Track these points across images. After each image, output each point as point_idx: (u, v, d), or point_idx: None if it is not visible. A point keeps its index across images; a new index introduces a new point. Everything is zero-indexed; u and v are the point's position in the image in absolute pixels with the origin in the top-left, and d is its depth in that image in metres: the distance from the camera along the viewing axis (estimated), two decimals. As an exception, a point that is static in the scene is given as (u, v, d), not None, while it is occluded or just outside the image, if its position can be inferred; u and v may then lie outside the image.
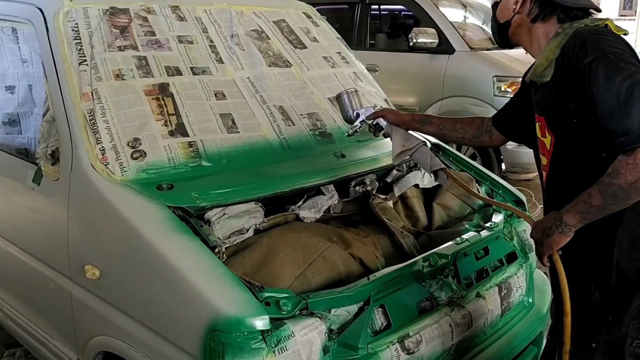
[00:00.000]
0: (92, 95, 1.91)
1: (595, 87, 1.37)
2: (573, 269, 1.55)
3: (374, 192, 2.22)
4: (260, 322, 1.42)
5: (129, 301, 1.71)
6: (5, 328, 2.54)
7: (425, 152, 1.93)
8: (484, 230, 2.06)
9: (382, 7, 6.42)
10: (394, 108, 2.42)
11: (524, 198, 2.34)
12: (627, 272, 1.51)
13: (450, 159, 2.49)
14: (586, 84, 1.40)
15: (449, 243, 1.94)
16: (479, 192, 2.35)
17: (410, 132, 2.01)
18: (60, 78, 1.95)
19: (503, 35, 1.72)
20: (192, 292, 1.49)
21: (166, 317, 1.58)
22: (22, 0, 2.22)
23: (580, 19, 1.56)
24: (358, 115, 2.04)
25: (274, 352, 1.41)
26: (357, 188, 2.22)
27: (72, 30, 2.04)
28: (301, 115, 2.28)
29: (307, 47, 2.61)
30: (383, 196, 2.23)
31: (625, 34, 1.52)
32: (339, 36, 2.88)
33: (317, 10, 2.94)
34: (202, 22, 2.38)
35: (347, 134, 2.13)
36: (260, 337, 1.41)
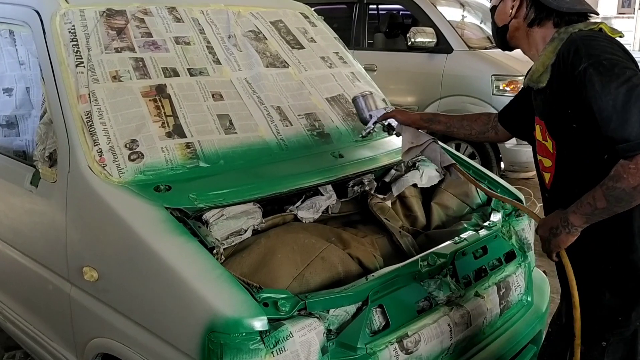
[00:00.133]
0: (89, 97, 1.91)
1: (592, 94, 1.38)
2: (583, 270, 1.57)
3: (372, 192, 2.22)
4: (259, 323, 1.42)
5: (127, 303, 1.71)
6: (5, 330, 2.54)
7: (435, 148, 1.98)
8: (483, 230, 2.06)
9: (380, 6, 6.41)
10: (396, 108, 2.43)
11: (522, 197, 2.34)
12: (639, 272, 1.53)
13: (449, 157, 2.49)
14: (583, 91, 1.41)
15: (448, 242, 1.93)
16: (477, 192, 2.35)
17: (419, 130, 2.05)
18: (57, 80, 1.95)
19: (502, 38, 1.75)
20: (190, 294, 1.49)
21: (164, 318, 1.58)
22: (18, 3, 2.22)
23: (576, 22, 1.57)
24: (371, 117, 2.12)
25: (272, 352, 1.41)
26: (355, 188, 2.22)
27: (69, 32, 2.04)
28: (299, 115, 2.28)
29: (304, 48, 2.61)
30: (381, 196, 2.23)
31: (620, 36, 1.53)
32: (337, 36, 2.88)
33: (315, 10, 2.94)
34: (199, 23, 2.38)
35: (361, 135, 2.22)
36: (259, 337, 1.41)
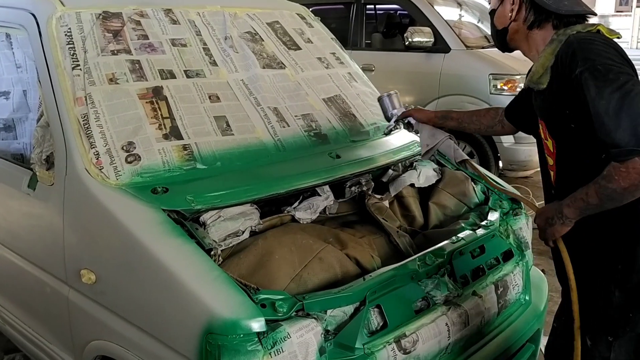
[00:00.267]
0: (86, 99, 1.91)
1: (588, 98, 1.43)
2: (591, 269, 1.61)
3: (369, 192, 2.22)
4: (256, 324, 1.42)
5: (125, 305, 1.71)
6: (4, 333, 2.54)
7: (450, 145, 2.11)
8: (480, 229, 2.07)
9: (377, 6, 6.41)
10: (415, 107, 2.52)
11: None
12: None
13: (445, 158, 2.49)
14: (580, 94, 1.45)
15: (445, 242, 1.94)
16: (475, 191, 2.35)
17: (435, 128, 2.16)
18: (54, 83, 1.95)
19: (502, 41, 1.79)
20: (187, 295, 1.50)
21: (162, 320, 1.58)
22: (15, 6, 2.23)
23: (575, 24, 1.59)
24: (392, 115, 2.27)
25: (270, 354, 1.41)
26: (352, 188, 2.22)
27: (65, 35, 2.04)
28: (296, 116, 2.28)
29: (301, 49, 2.62)
30: (379, 196, 2.23)
31: (618, 37, 1.56)
32: (333, 37, 2.89)
33: (313, 10, 2.95)
34: (195, 25, 2.38)
35: (384, 132, 2.42)
36: (256, 339, 1.41)
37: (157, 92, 2.04)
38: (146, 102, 1.99)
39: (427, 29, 5.26)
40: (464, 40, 5.26)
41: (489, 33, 5.68)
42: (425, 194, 2.35)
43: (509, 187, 2.37)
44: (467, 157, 2.08)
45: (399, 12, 6.35)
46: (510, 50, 1.81)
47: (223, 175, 1.92)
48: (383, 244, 2.01)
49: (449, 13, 5.64)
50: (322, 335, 1.52)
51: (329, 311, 1.57)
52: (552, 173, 1.71)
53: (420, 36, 5.23)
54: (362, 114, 2.49)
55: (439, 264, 1.84)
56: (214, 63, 2.28)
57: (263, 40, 2.52)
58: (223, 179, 1.90)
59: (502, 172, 5.10)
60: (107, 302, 1.77)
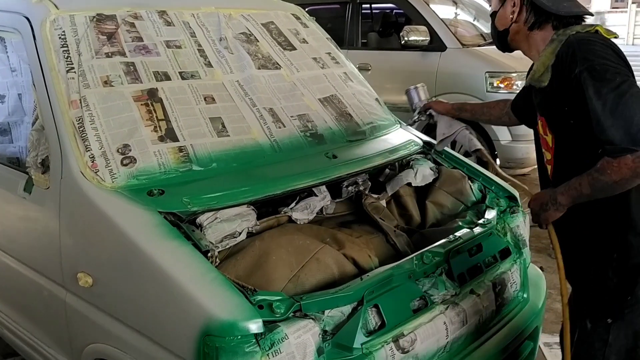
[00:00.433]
0: (81, 102, 1.90)
1: (587, 96, 1.52)
2: (590, 257, 1.71)
3: (366, 191, 2.22)
4: (254, 326, 1.42)
5: (122, 308, 1.71)
6: (2, 337, 2.54)
7: (465, 135, 2.31)
8: (477, 227, 2.06)
9: (373, 5, 6.42)
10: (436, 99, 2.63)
11: (517, 194, 2.34)
12: None
13: (443, 156, 2.49)
14: (579, 92, 1.54)
15: (442, 241, 1.93)
16: (472, 189, 2.35)
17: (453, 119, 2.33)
18: (49, 86, 1.95)
19: (502, 41, 1.85)
20: (184, 297, 1.49)
21: (159, 322, 1.58)
22: (8, 10, 2.22)
23: (573, 24, 1.67)
24: (416, 107, 2.46)
25: (267, 355, 1.41)
26: (349, 188, 2.22)
27: (59, 38, 2.04)
28: (292, 117, 2.28)
29: (296, 49, 2.61)
30: (376, 195, 2.23)
31: (615, 37, 1.65)
32: (329, 37, 2.88)
33: (308, 10, 2.95)
34: (190, 27, 2.37)
35: (408, 123, 2.58)
36: (254, 340, 1.41)
37: (152, 94, 2.03)
38: (141, 104, 1.98)
39: (423, 28, 5.26)
40: (460, 39, 5.26)
41: (485, 31, 5.71)
42: (422, 192, 2.35)
43: (505, 184, 2.37)
44: (481, 147, 2.28)
45: (394, 11, 6.36)
46: (511, 51, 1.88)
47: (219, 176, 1.91)
48: (380, 244, 2.01)
49: (445, 11, 5.65)
50: (320, 336, 1.52)
51: (326, 311, 1.57)
52: (549, 167, 1.79)
53: (416, 35, 5.23)
54: (358, 114, 2.49)
55: (437, 263, 1.84)
56: (209, 64, 2.27)
57: (258, 41, 2.51)
58: (219, 180, 1.89)
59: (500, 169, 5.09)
60: (104, 305, 1.76)
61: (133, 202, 1.72)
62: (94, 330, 1.82)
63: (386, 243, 2.02)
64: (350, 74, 2.72)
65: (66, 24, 2.08)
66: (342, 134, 2.35)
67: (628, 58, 1.64)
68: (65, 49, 2.01)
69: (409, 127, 2.69)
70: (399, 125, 2.64)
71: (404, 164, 2.39)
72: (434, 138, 2.43)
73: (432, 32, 5.25)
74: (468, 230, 2.03)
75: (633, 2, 20.00)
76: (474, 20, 5.85)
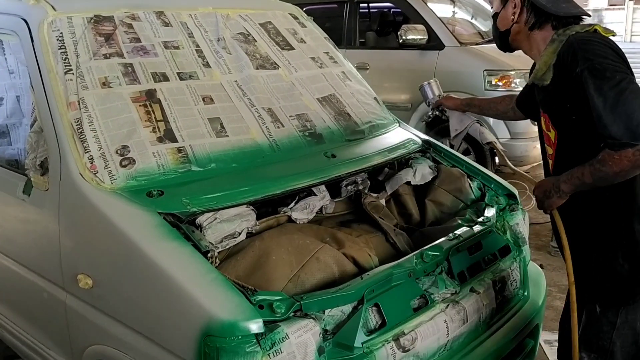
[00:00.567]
0: (79, 104, 1.90)
1: (588, 94, 1.58)
2: (599, 243, 1.77)
3: (365, 190, 2.22)
4: (254, 326, 1.42)
5: (122, 309, 1.70)
6: (3, 340, 2.54)
7: (476, 128, 2.43)
8: (477, 225, 2.06)
9: (370, 5, 6.41)
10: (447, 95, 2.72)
11: (516, 192, 2.35)
12: None
13: (442, 154, 2.50)
14: (580, 90, 1.60)
15: (442, 239, 1.93)
16: (471, 187, 2.35)
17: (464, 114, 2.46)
18: (47, 88, 1.94)
19: (504, 41, 1.92)
20: (185, 298, 1.49)
21: (160, 323, 1.58)
22: (6, 12, 2.22)
23: (572, 24, 1.73)
24: (430, 103, 2.57)
25: (268, 355, 1.41)
26: (348, 187, 2.22)
27: (57, 39, 2.03)
28: (290, 116, 2.28)
29: (294, 49, 2.61)
30: (375, 194, 2.23)
31: (613, 35, 1.72)
32: (327, 36, 2.88)
33: (306, 10, 2.95)
34: (187, 27, 2.37)
35: (423, 120, 2.67)
36: (255, 340, 1.41)
37: (150, 95, 2.03)
38: (140, 105, 1.98)
39: (421, 27, 5.26)
40: (458, 37, 5.26)
41: (483, 29, 5.71)
42: (421, 191, 2.35)
43: (504, 183, 2.37)
44: (494, 139, 2.40)
45: (392, 10, 6.35)
46: (512, 50, 1.94)
47: (218, 177, 1.91)
48: (380, 243, 2.01)
49: (443, 10, 5.65)
50: (321, 335, 1.52)
51: (327, 311, 1.57)
52: (550, 162, 1.87)
53: (414, 34, 5.23)
54: (357, 113, 2.49)
55: (437, 262, 1.85)
56: (207, 65, 2.27)
57: (256, 41, 2.51)
58: (218, 180, 1.89)
59: (499, 168, 5.10)
60: (105, 307, 1.76)
61: (132, 203, 1.71)
62: (95, 332, 1.81)
63: (386, 242, 2.02)
64: (348, 73, 2.72)
65: (64, 26, 2.08)
66: (340, 133, 2.35)
67: (626, 55, 1.68)
68: (63, 50, 2.01)
69: (407, 125, 2.70)
70: (397, 124, 2.64)
71: (403, 162, 2.40)
72: (439, 132, 2.47)
73: (430, 31, 5.25)
74: (468, 228, 2.03)
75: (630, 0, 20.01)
76: (471, 19, 5.85)
